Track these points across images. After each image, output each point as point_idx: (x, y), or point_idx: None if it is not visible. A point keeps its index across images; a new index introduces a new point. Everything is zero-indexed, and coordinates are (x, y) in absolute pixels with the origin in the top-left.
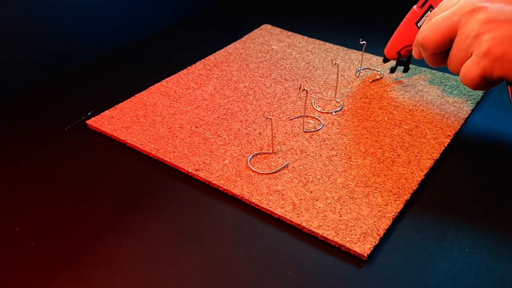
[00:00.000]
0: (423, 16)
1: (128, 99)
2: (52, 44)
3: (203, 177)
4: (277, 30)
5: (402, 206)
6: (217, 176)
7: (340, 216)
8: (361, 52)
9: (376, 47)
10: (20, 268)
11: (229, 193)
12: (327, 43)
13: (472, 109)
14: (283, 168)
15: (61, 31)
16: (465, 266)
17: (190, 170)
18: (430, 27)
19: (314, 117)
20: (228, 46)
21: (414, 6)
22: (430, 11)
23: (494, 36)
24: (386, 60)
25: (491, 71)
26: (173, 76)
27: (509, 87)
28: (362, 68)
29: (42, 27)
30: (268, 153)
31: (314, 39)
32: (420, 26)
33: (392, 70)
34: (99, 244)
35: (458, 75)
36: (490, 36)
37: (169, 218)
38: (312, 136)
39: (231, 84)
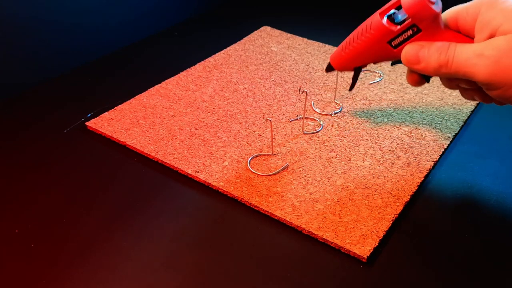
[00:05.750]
0: (400, 34)
1: (128, 101)
2: (52, 45)
3: (203, 179)
4: (277, 32)
5: (401, 208)
6: (217, 178)
7: (340, 218)
8: None
9: None
10: (20, 270)
11: (228, 194)
12: (327, 45)
13: (472, 111)
14: (282, 169)
15: (61, 32)
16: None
17: (189, 171)
18: None
19: (314, 119)
20: (228, 48)
21: (381, 19)
22: (413, 31)
23: None
24: (330, 69)
25: None
26: (172, 77)
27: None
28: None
29: (42, 28)
30: (267, 154)
31: (314, 41)
32: (395, 45)
33: (352, 87)
34: (99, 245)
35: None
36: None
37: (169, 220)
38: (312, 138)
39: (231, 86)
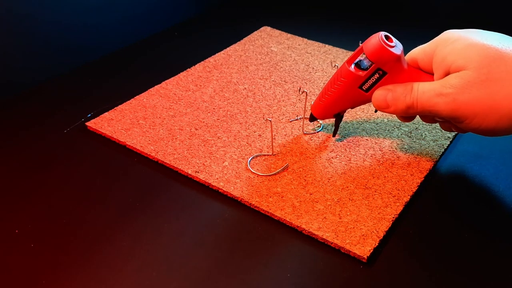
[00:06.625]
0: (368, 79)
1: (128, 101)
2: (52, 45)
3: (203, 179)
4: (277, 32)
5: (402, 208)
6: (217, 178)
7: (340, 218)
8: None
9: None
10: (20, 270)
11: (228, 195)
12: (327, 45)
13: None
14: (282, 170)
15: (61, 32)
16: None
17: (189, 172)
18: None
19: None
20: (228, 48)
21: (349, 66)
22: (379, 74)
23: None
24: (313, 119)
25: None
26: (172, 78)
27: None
28: None
29: (41, 29)
30: (267, 155)
31: (314, 41)
32: (366, 89)
33: (335, 133)
34: (99, 245)
35: None
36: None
37: (169, 220)
38: (312, 138)
39: (231, 86)
